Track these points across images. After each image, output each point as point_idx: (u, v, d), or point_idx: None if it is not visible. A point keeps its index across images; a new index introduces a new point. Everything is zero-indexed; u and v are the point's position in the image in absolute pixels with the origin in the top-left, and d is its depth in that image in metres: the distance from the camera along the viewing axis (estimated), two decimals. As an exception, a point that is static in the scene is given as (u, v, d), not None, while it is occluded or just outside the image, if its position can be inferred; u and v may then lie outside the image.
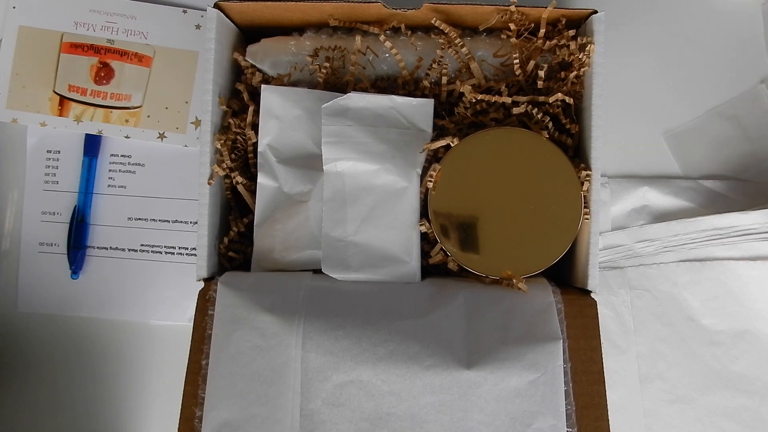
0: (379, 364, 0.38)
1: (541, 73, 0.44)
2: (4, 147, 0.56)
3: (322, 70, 0.46)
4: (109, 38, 0.55)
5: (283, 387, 0.38)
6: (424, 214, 0.43)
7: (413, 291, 0.42)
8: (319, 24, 0.47)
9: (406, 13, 0.44)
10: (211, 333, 0.40)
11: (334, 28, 0.47)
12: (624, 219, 0.54)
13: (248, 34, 0.49)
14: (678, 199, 0.54)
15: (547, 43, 0.44)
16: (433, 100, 0.44)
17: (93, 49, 0.55)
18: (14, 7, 0.55)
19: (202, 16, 0.55)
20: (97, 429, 0.55)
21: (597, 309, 0.40)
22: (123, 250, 0.55)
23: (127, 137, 0.55)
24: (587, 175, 0.42)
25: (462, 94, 0.45)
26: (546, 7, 0.43)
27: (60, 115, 0.55)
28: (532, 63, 0.45)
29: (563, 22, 0.45)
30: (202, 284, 0.42)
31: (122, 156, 0.56)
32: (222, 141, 0.44)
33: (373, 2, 0.43)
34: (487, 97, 0.44)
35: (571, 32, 0.44)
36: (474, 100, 0.44)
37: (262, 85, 0.45)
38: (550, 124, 0.44)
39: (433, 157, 0.44)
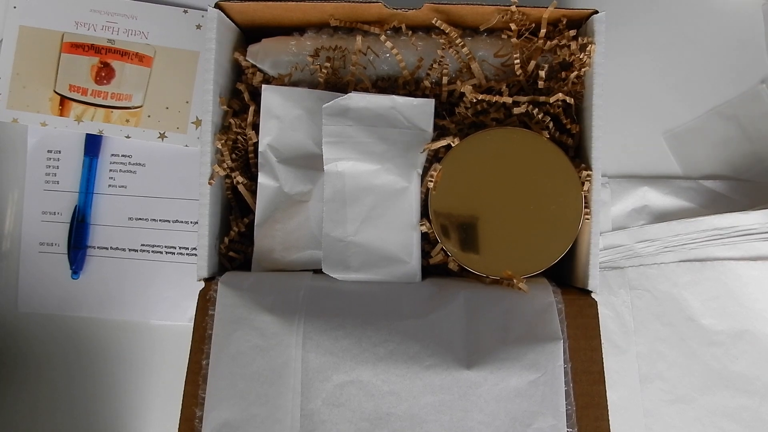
0: (379, 364, 0.38)
1: (542, 73, 0.44)
2: (4, 147, 0.56)
3: (323, 70, 0.46)
4: (110, 38, 0.55)
5: (283, 387, 0.38)
6: (424, 214, 0.43)
7: (413, 291, 0.42)
8: (320, 24, 0.47)
9: (406, 13, 0.44)
10: (211, 333, 0.40)
11: (335, 28, 0.47)
12: (624, 219, 0.54)
13: (249, 34, 0.49)
14: (678, 199, 0.54)
15: (548, 43, 0.44)
16: (433, 100, 0.44)
17: (94, 49, 0.55)
18: (15, 7, 0.55)
19: (202, 16, 0.55)
20: (97, 429, 0.55)
21: (597, 309, 0.40)
22: (123, 250, 0.55)
23: (127, 137, 0.55)
24: (588, 175, 0.42)
25: (463, 94, 0.45)
26: (547, 8, 0.43)
27: (60, 115, 0.55)
28: (532, 63, 0.45)
29: (564, 23, 0.45)
30: (202, 284, 0.42)
31: (123, 156, 0.56)
32: (222, 141, 0.44)
33: (373, 2, 0.43)
34: (487, 97, 0.44)
35: (572, 32, 0.44)
36: (475, 100, 0.44)
37: (263, 85, 0.45)
38: (551, 124, 0.44)
39: (434, 157, 0.44)
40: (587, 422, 0.38)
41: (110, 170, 0.56)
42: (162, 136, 0.55)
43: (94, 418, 0.55)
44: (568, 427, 0.38)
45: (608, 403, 0.39)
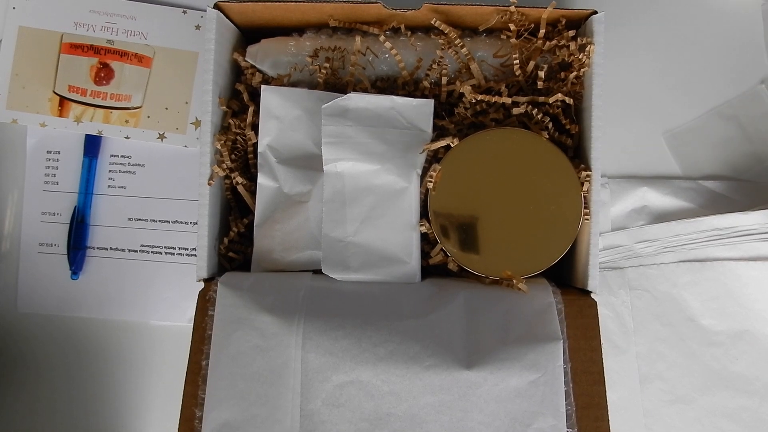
0: (379, 364, 0.38)
1: (541, 74, 0.44)
2: (3, 147, 0.56)
3: (322, 70, 0.46)
4: (109, 39, 0.55)
5: (283, 387, 0.38)
6: (424, 214, 0.43)
7: (413, 291, 0.42)
8: (319, 24, 0.47)
9: (405, 13, 0.44)
10: (211, 333, 0.40)
11: (334, 28, 0.47)
12: (624, 219, 0.54)
13: (248, 34, 0.49)
14: (678, 199, 0.54)
15: (547, 43, 0.44)
16: (433, 100, 0.44)
17: (93, 49, 0.55)
18: (14, 8, 0.55)
19: (201, 17, 0.55)
20: (97, 430, 0.55)
21: (597, 309, 0.40)
22: (123, 250, 0.55)
23: (127, 138, 0.55)
24: (587, 176, 0.42)
25: (462, 95, 0.45)
26: (546, 8, 0.43)
27: (60, 116, 0.55)
28: (532, 63, 0.45)
29: (563, 23, 0.45)
30: (202, 284, 0.42)
31: (122, 156, 0.56)
32: (222, 141, 0.44)
33: (372, 3, 0.43)
34: (487, 98, 0.44)
35: (571, 33, 0.44)
36: (474, 101, 0.44)
37: (262, 86, 0.45)
38: (550, 125, 0.44)
39: (433, 158, 0.44)
40: (587, 422, 0.38)
41: (110, 171, 0.56)
42: (161, 136, 0.55)
43: (94, 418, 0.55)
44: (568, 428, 0.38)
45: (608, 404, 0.39)
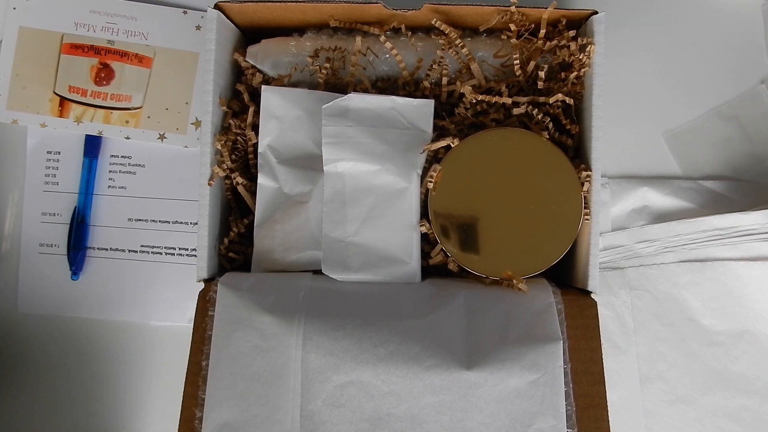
0: (379, 364, 0.38)
1: (542, 74, 0.44)
2: (4, 148, 0.56)
3: (323, 70, 0.46)
4: (110, 39, 0.55)
5: (283, 388, 0.38)
6: (424, 214, 0.43)
7: (413, 292, 0.42)
8: (320, 25, 0.47)
9: (406, 13, 0.44)
10: (211, 334, 0.40)
11: (335, 28, 0.47)
12: (624, 219, 0.54)
13: (248, 34, 0.49)
14: (678, 199, 0.54)
15: (548, 43, 0.44)
16: (433, 100, 0.44)
17: (93, 50, 0.55)
18: (14, 8, 0.55)
19: (202, 17, 0.55)
20: (97, 430, 0.55)
21: (597, 309, 0.40)
22: (123, 251, 0.55)
23: (127, 138, 0.55)
24: (587, 176, 0.42)
25: (462, 95, 0.45)
26: (546, 8, 0.43)
27: (60, 116, 0.55)
28: (532, 63, 0.45)
29: (563, 23, 0.45)
30: (202, 285, 0.42)
31: (122, 157, 0.56)
32: (222, 142, 0.44)
33: (373, 3, 0.43)
34: (487, 98, 0.44)
35: (572, 33, 0.44)
36: (474, 101, 0.44)
37: (263, 86, 0.45)
38: (551, 125, 0.44)
39: (434, 158, 0.44)
40: (587, 423, 0.38)
41: (110, 171, 0.56)
42: (162, 137, 0.55)
43: (94, 419, 0.55)
44: (568, 428, 0.38)
45: (608, 404, 0.39)
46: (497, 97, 0.44)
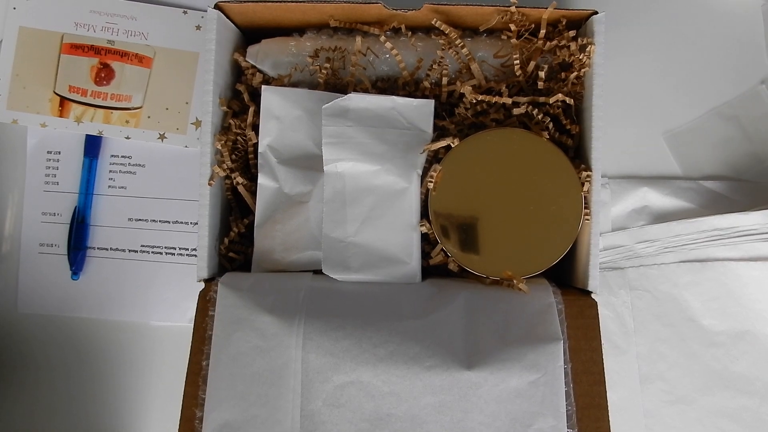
0: (379, 364, 0.38)
1: (542, 74, 0.44)
2: (4, 148, 0.56)
3: (323, 70, 0.46)
4: (110, 39, 0.55)
5: (283, 388, 0.38)
6: (424, 214, 0.43)
7: (413, 292, 0.42)
8: (320, 25, 0.47)
9: (406, 13, 0.44)
10: (211, 334, 0.40)
11: (335, 28, 0.47)
12: (624, 219, 0.54)
13: (248, 34, 0.49)
14: (678, 199, 0.54)
15: (548, 43, 0.44)
16: (433, 100, 0.44)
17: (93, 49, 0.55)
18: (15, 8, 0.55)
19: (202, 17, 0.55)
20: (97, 430, 0.55)
21: (597, 309, 0.40)
22: (123, 250, 0.55)
23: (127, 138, 0.55)
24: (588, 176, 0.42)
25: (462, 95, 0.45)
26: (546, 8, 0.43)
27: (60, 116, 0.55)
28: (532, 64, 0.45)
29: (564, 23, 0.45)
30: (202, 285, 0.42)
31: (122, 157, 0.56)
32: (222, 142, 0.44)
33: (373, 3, 0.43)
34: (487, 98, 0.44)
35: (572, 33, 0.44)
36: (474, 101, 0.44)
37: (263, 86, 0.45)
38: (551, 125, 0.44)
39: (434, 158, 0.44)
40: (587, 423, 0.38)
41: (110, 171, 0.56)
42: (162, 136, 0.55)
43: (94, 419, 0.55)
44: (568, 428, 0.38)
45: (608, 404, 0.39)
46: (497, 97, 0.44)
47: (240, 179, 0.45)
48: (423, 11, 0.44)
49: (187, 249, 0.55)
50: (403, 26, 0.46)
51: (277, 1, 0.44)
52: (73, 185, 0.55)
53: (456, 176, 0.42)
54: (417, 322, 0.39)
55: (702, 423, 0.52)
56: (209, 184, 0.43)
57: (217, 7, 0.44)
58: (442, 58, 0.45)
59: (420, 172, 0.43)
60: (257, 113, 0.45)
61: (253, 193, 0.45)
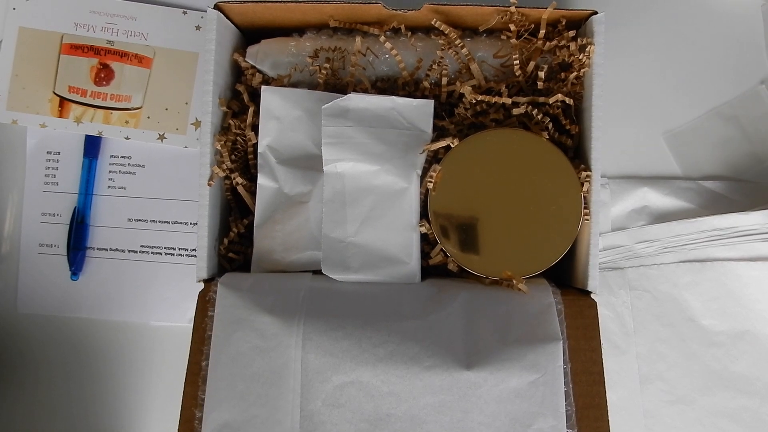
0: (379, 365, 0.38)
1: (541, 74, 0.44)
2: (3, 148, 0.56)
3: (322, 71, 0.46)
4: (109, 39, 0.55)
5: (283, 388, 0.38)
6: (424, 214, 0.43)
7: (413, 292, 0.42)
8: (319, 25, 0.47)
9: (406, 14, 0.44)
10: (211, 334, 0.40)
11: (334, 29, 0.47)
12: (624, 220, 0.54)
13: (248, 35, 0.49)
14: (678, 199, 0.54)
15: (547, 43, 0.44)
16: (433, 101, 0.44)
17: (93, 50, 0.55)
18: (14, 9, 0.55)
19: (202, 17, 0.55)
20: (97, 430, 0.55)
21: (597, 310, 0.40)
22: (123, 251, 0.55)
23: (127, 138, 0.55)
24: (587, 176, 0.42)
25: (462, 95, 0.45)
26: (546, 8, 0.43)
27: (60, 117, 0.55)
28: (532, 64, 0.45)
29: (563, 23, 0.45)
30: (202, 285, 0.42)
31: (122, 157, 0.56)
32: (222, 142, 0.44)
33: (373, 3, 0.43)
34: (487, 98, 0.44)
35: (571, 33, 0.44)
36: (474, 101, 0.44)
37: (262, 86, 0.45)
38: (550, 125, 0.44)
39: (433, 158, 0.44)
40: (587, 423, 0.38)
41: (110, 171, 0.56)
42: (161, 137, 0.55)
43: (94, 419, 0.55)
44: (568, 428, 0.38)
45: (608, 404, 0.39)
46: (497, 97, 0.44)
47: (239, 179, 0.45)
48: (423, 11, 0.44)
49: (187, 249, 0.55)
50: (402, 26, 0.46)
51: (277, 1, 0.44)
52: (72, 185, 0.55)
53: (456, 176, 0.42)
54: (417, 322, 0.39)
55: (702, 423, 0.52)
56: (209, 185, 0.43)
57: (216, 7, 0.44)
58: (441, 58, 0.45)
59: (420, 173, 0.43)
60: (257, 113, 0.45)
61: (253, 194, 0.45)
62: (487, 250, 0.42)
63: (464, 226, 0.42)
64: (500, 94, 0.45)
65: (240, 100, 0.47)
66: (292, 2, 0.44)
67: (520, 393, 0.38)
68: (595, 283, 0.41)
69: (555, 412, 0.38)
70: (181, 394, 0.40)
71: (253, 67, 0.47)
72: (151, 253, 0.55)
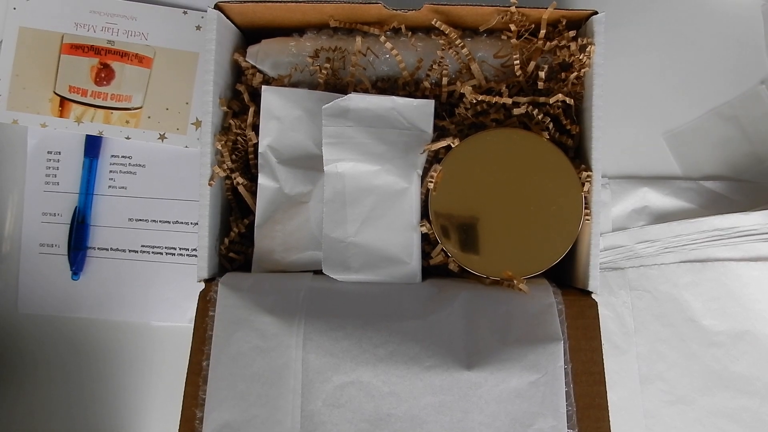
0: (379, 365, 0.38)
1: (542, 74, 0.44)
2: (4, 148, 0.56)
3: (323, 71, 0.46)
4: (110, 39, 0.55)
5: (283, 388, 0.38)
6: (424, 214, 0.43)
7: (414, 292, 0.42)
8: (320, 25, 0.47)
9: (406, 14, 0.44)
10: (211, 334, 0.40)
11: (335, 29, 0.47)
12: (624, 220, 0.54)
13: (249, 35, 0.49)
14: (678, 199, 0.54)
15: (548, 43, 0.44)
16: (433, 101, 0.44)
17: (93, 50, 0.55)
18: (15, 9, 0.55)
19: (202, 17, 0.55)
20: (97, 430, 0.55)
21: (597, 310, 0.40)
22: (123, 251, 0.55)
23: (127, 138, 0.55)
24: (588, 176, 0.42)
25: (462, 95, 0.45)
26: (546, 8, 0.43)
27: (60, 116, 0.55)
28: (532, 64, 0.45)
29: (563, 23, 0.45)
30: (202, 285, 0.42)
31: (123, 157, 0.56)
32: (222, 142, 0.44)
33: (373, 3, 0.43)
34: (487, 98, 0.44)
35: (572, 33, 0.44)
36: (474, 101, 0.44)
37: (263, 86, 0.45)
38: (551, 125, 0.44)
39: (434, 158, 0.44)
40: (587, 423, 0.38)
41: (110, 171, 0.56)
42: (162, 137, 0.55)
43: (94, 419, 0.55)
44: (568, 428, 0.38)
45: (608, 404, 0.39)
46: (497, 97, 0.44)
47: (240, 179, 0.45)
48: (423, 11, 0.44)
49: (187, 249, 0.55)
50: (403, 26, 0.46)
51: (277, 1, 0.44)
52: (73, 185, 0.55)
53: (456, 176, 0.42)
54: (417, 322, 0.39)
55: (702, 423, 0.52)
56: (209, 185, 0.43)
57: (217, 7, 0.44)
58: (442, 58, 0.45)
59: (420, 173, 0.43)
60: (257, 113, 0.45)
61: (253, 194, 0.45)
62: (488, 250, 0.42)
63: (465, 226, 0.42)
64: (501, 94, 0.45)
65: (240, 100, 0.47)
66: (292, 2, 0.44)
67: (521, 393, 0.38)
68: (595, 283, 0.41)
69: (555, 413, 0.38)
70: (182, 394, 0.40)
71: (253, 67, 0.47)
72: (152, 252, 0.55)
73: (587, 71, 0.43)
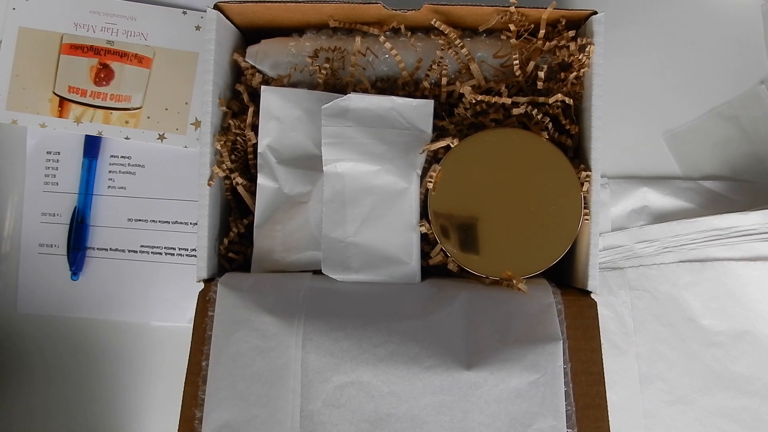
0: (379, 365, 0.38)
1: (541, 74, 0.44)
2: (3, 148, 0.56)
3: (322, 71, 0.46)
4: (109, 39, 0.55)
5: (283, 388, 0.38)
6: (424, 214, 0.43)
7: (413, 292, 0.42)
8: (319, 25, 0.47)
9: (405, 14, 0.44)
10: (211, 334, 0.40)
11: (334, 29, 0.47)
12: (624, 220, 0.54)
13: (248, 35, 0.49)
14: (678, 199, 0.54)
15: (547, 43, 0.44)
16: (432, 101, 0.44)
17: (93, 50, 0.55)
18: (14, 9, 0.55)
19: (201, 17, 0.55)
20: (97, 430, 0.55)
21: (597, 310, 0.40)
22: (123, 251, 0.55)
23: (127, 138, 0.55)
24: (587, 176, 0.42)
25: (462, 95, 0.45)
26: (546, 8, 0.43)
27: (60, 117, 0.55)
28: (531, 64, 0.45)
29: (563, 23, 0.45)
30: (202, 285, 0.42)
31: (122, 157, 0.56)
32: (222, 142, 0.44)
33: (373, 3, 0.43)
34: (487, 98, 0.44)
35: (571, 33, 0.44)
36: (474, 101, 0.44)
37: (262, 86, 0.45)
38: (550, 125, 0.44)
39: (433, 158, 0.44)
40: (587, 423, 0.38)
41: (109, 171, 0.56)
42: (161, 137, 0.55)
43: (94, 419, 0.55)
44: (568, 428, 0.38)
45: (608, 404, 0.39)
46: (497, 97, 0.44)
47: (239, 179, 0.45)
48: (422, 11, 0.44)
49: (187, 249, 0.55)
50: (402, 26, 0.46)
51: (276, 1, 0.44)
52: (72, 185, 0.55)
53: (455, 176, 0.42)
54: (417, 322, 0.39)
55: (702, 423, 0.52)
56: (209, 185, 0.43)
57: (216, 7, 0.44)
58: (441, 58, 0.45)
59: (419, 173, 0.43)
60: (257, 113, 0.45)
61: (253, 194, 0.45)
62: (487, 250, 0.42)
63: (464, 226, 0.42)
64: (500, 94, 0.45)
65: (240, 100, 0.47)
66: (292, 2, 0.44)
67: (521, 393, 0.38)
68: (595, 283, 0.41)
69: (555, 412, 0.38)
70: (181, 394, 0.40)
71: (252, 67, 0.47)
72: (151, 253, 0.55)
73: (587, 71, 0.43)
